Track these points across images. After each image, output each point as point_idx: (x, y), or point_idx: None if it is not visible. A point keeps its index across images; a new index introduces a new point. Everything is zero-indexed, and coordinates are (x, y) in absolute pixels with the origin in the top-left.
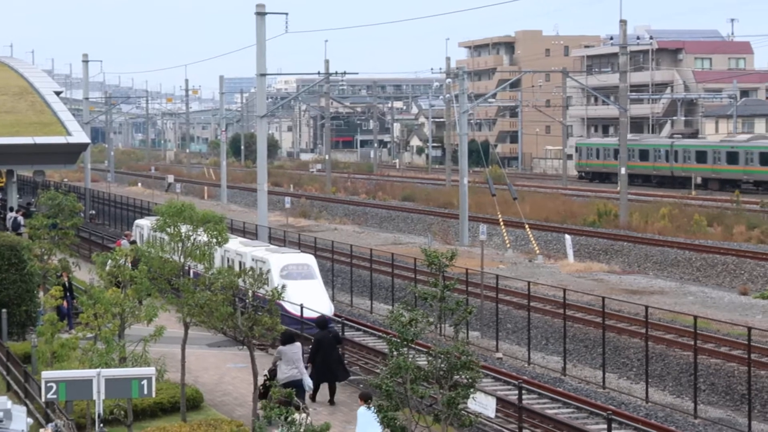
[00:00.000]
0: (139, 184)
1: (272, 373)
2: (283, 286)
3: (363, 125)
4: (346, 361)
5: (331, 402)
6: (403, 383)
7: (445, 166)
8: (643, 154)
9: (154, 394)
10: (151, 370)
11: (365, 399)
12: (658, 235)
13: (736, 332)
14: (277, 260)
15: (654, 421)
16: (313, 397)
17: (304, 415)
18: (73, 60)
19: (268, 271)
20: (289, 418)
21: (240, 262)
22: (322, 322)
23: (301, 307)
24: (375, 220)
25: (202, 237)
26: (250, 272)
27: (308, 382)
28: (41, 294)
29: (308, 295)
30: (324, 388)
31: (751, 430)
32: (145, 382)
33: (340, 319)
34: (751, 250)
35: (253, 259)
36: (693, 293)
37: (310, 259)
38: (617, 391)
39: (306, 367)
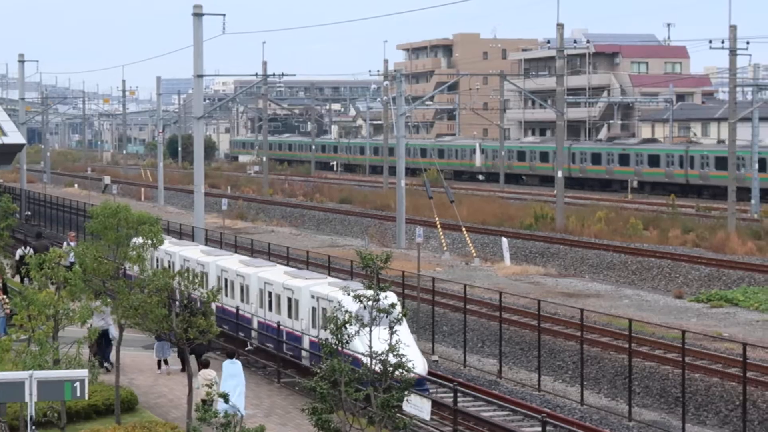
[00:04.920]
0: (76, 185)
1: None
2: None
3: (301, 127)
4: None
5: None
6: (338, 386)
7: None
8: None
9: (86, 397)
10: (84, 372)
11: (230, 355)
12: (594, 239)
13: (670, 335)
14: (351, 299)
15: (589, 423)
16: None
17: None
18: (8, 60)
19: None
20: (224, 420)
21: (290, 299)
22: None
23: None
24: (312, 223)
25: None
26: (186, 274)
27: (113, 333)
28: None
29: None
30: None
31: None
32: (78, 384)
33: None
34: (686, 253)
35: (312, 296)
36: (628, 296)
37: (390, 298)
38: (553, 394)
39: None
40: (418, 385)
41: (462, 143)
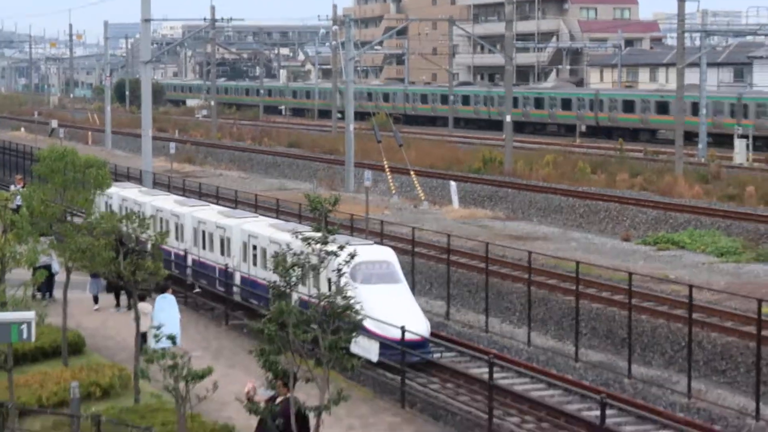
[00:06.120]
0: (22, 129)
1: None
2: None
3: (249, 72)
4: None
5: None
6: (286, 327)
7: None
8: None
9: (33, 339)
10: (31, 314)
11: (163, 290)
12: (542, 182)
13: (617, 277)
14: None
15: (535, 364)
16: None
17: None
18: None
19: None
20: (170, 363)
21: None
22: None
23: (403, 330)
24: (261, 167)
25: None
26: (134, 216)
27: (56, 267)
28: None
29: (394, 307)
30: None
31: (630, 372)
32: (25, 326)
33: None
34: (633, 197)
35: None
36: (576, 239)
37: (389, 254)
38: (500, 335)
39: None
40: (421, 347)
41: (326, 86)
